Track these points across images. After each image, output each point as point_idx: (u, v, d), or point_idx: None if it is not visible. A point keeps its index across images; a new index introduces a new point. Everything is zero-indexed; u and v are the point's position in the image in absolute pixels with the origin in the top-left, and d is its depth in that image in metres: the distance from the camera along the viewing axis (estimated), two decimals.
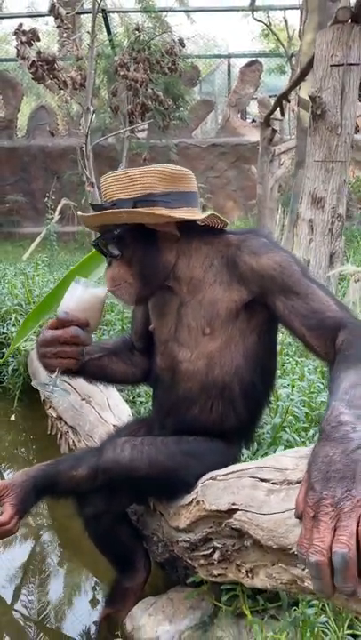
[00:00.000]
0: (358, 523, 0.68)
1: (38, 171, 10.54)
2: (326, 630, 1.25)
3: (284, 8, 9.49)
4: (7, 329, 3.26)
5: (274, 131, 6.84)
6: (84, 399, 2.11)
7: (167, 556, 1.54)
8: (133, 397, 2.44)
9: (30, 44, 4.15)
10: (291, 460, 1.03)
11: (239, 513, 1.07)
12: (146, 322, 1.54)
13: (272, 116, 6.62)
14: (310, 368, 2.58)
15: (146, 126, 9.44)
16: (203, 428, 1.39)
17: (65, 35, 9.68)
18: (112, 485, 1.33)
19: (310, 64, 4.65)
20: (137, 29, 6.57)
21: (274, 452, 1.84)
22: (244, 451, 1.65)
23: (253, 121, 10.63)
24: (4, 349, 3.22)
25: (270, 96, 10.39)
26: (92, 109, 4.15)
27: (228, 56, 11.53)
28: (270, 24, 9.79)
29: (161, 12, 7.85)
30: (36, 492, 1.40)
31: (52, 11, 4.18)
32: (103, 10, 8.32)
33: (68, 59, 6.75)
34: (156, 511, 1.49)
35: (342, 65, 3.47)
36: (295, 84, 5.26)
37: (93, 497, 1.43)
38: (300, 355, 2.94)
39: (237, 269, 1.26)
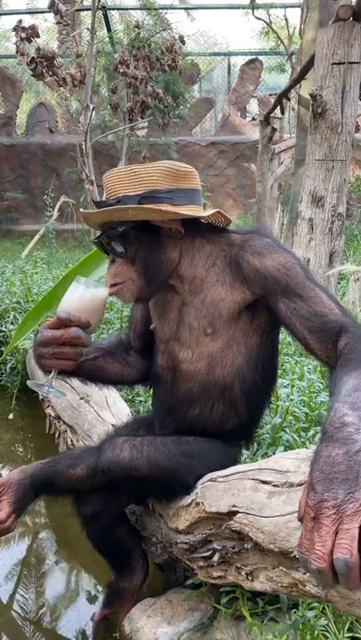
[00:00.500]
0: None
1: (37, 168, 10.51)
2: (327, 633, 1.24)
3: (285, 6, 9.46)
4: (5, 327, 3.24)
5: (274, 129, 6.82)
6: (82, 398, 2.10)
7: (166, 557, 1.52)
8: (132, 396, 2.42)
9: (30, 41, 4.12)
10: (292, 462, 1.02)
11: (240, 515, 1.05)
12: (145, 321, 1.52)
13: (272, 115, 6.61)
14: (310, 367, 2.57)
15: (145, 124, 9.41)
16: (203, 429, 1.38)
17: (64, 32, 9.66)
18: (111, 485, 1.33)
19: (311, 62, 4.63)
20: (137, 26, 6.54)
21: (274, 452, 1.83)
22: (243, 451, 1.64)
23: (253, 119, 10.61)
24: (3, 348, 3.21)
25: (270, 94, 10.37)
26: (91, 107, 4.12)
27: (229, 54, 11.50)
28: (271, 22, 9.75)
29: (161, 9, 7.82)
30: (34, 490, 1.40)
31: (52, 7, 4.15)
32: (103, 7, 8.30)
33: (68, 56, 6.72)
34: (155, 512, 1.48)
35: (343, 63, 3.45)
36: (295, 82, 5.24)
37: (91, 496, 1.42)
38: (299, 354, 2.93)
39: (241, 270, 1.25)
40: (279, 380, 2.31)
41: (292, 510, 0.92)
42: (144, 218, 1.20)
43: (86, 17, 11.12)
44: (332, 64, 3.48)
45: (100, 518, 1.44)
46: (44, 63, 4.15)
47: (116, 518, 1.49)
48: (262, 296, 1.24)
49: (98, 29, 5.44)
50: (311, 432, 1.91)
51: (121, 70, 5.40)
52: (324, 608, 1.28)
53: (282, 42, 9.26)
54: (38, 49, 4.16)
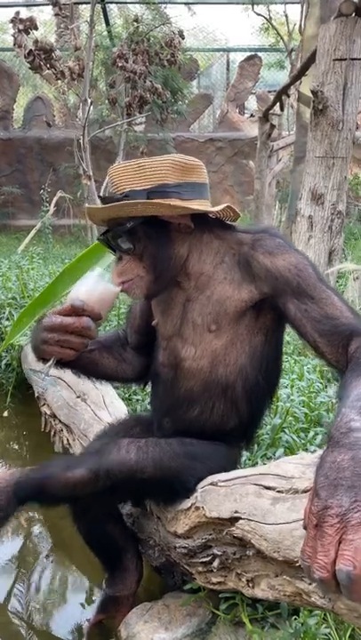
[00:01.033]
0: None
1: (34, 162, 10.42)
2: None
3: (285, 2, 9.40)
4: (1, 323, 3.20)
5: (273, 126, 6.77)
6: (78, 397, 2.07)
7: (164, 560, 1.50)
8: (129, 395, 2.39)
9: (28, 33, 4.06)
10: (296, 468, 0.99)
11: (242, 522, 1.02)
12: (145, 316, 1.49)
13: (271, 111, 6.56)
14: (309, 367, 2.54)
15: (143, 119, 9.35)
16: (203, 429, 1.35)
17: (62, 25, 9.57)
18: (112, 490, 1.27)
19: (312, 58, 4.59)
20: (136, 20, 6.48)
21: (273, 453, 1.80)
22: (242, 452, 1.61)
23: (252, 116, 10.56)
24: None
25: (269, 91, 10.32)
26: (89, 101, 4.07)
27: (228, 50, 11.44)
28: (271, 18, 9.69)
29: (160, 3, 7.75)
30: (18, 498, 1.29)
31: None
32: (102, 0, 8.22)
33: (65, 50, 6.64)
34: (152, 514, 1.45)
35: (345, 59, 3.42)
36: (296, 78, 5.20)
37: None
38: (298, 353, 2.90)
39: (250, 269, 1.22)
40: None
41: (298, 518, 0.89)
42: (153, 213, 1.18)
43: (85, 10, 11.02)
44: (333, 60, 3.44)
45: (89, 510, 1.40)
46: (42, 56, 4.10)
47: (106, 513, 1.46)
48: (271, 296, 1.22)
49: (96, 23, 5.38)
50: (311, 433, 1.88)
51: (120, 64, 5.35)
52: (325, 615, 1.25)
53: (282, 38, 9.21)
54: (36, 41, 4.11)
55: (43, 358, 1.23)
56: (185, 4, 9.42)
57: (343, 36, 3.40)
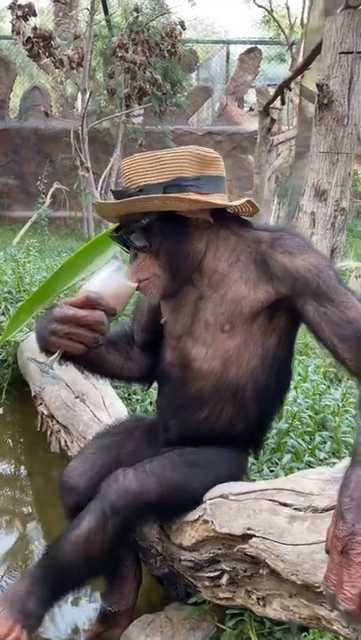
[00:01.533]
0: None
1: (30, 153, 10.28)
2: None
3: None
4: None
5: (273, 120, 6.70)
6: (77, 397, 2.00)
7: (166, 570, 1.43)
8: (129, 394, 2.32)
9: (26, 19, 3.96)
10: (315, 484, 0.92)
11: (256, 540, 0.96)
12: (152, 313, 1.42)
13: (271, 105, 6.48)
14: (312, 367, 2.48)
15: (142, 112, 9.23)
16: (210, 432, 1.29)
17: (60, 14, 9.42)
18: (124, 525, 1.17)
19: (315, 52, 4.52)
20: (135, 10, 6.36)
21: (279, 459, 1.75)
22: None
23: (251, 109, 10.46)
24: None
25: (269, 85, 10.22)
26: (88, 90, 3.98)
27: (228, 42, 11.31)
28: (272, 10, 9.58)
29: None
30: (38, 592, 1.16)
31: None
32: None
33: (64, 39, 6.52)
34: (155, 523, 1.38)
35: (351, 53, 3.34)
36: (299, 72, 5.13)
37: (77, 483, 1.32)
38: (300, 352, 2.84)
39: (268, 268, 1.16)
40: None
41: (319, 540, 0.83)
42: (171, 208, 1.11)
43: (84, 0, 10.87)
44: (340, 53, 3.37)
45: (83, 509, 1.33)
46: (41, 43, 3.99)
47: None
48: (289, 297, 1.16)
49: (95, 13, 5.27)
50: (317, 438, 1.82)
51: (119, 54, 5.23)
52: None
53: (283, 31, 9.11)
54: (35, 28, 4.01)
55: (48, 350, 1.15)
56: None
57: (350, 29, 3.32)
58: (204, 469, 1.24)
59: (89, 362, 1.34)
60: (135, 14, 6.18)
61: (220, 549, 1.12)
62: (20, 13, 3.95)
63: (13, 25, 4.06)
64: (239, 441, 1.33)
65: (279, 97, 6.09)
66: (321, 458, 1.68)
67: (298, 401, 1.98)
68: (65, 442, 1.97)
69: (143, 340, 1.46)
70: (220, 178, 1.18)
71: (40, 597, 1.16)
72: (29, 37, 4.01)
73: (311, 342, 2.83)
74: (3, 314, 3.07)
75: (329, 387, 2.32)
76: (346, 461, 1.41)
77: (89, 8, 3.80)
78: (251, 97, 11.62)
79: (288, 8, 9.08)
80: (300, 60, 6.42)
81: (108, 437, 1.46)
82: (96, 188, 5.50)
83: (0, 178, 9.95)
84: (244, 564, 1.06)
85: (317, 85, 3.41)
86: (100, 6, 8.72)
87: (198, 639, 1.31)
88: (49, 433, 2.24)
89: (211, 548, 1.15)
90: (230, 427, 1.29)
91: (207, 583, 1.20)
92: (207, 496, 1.19)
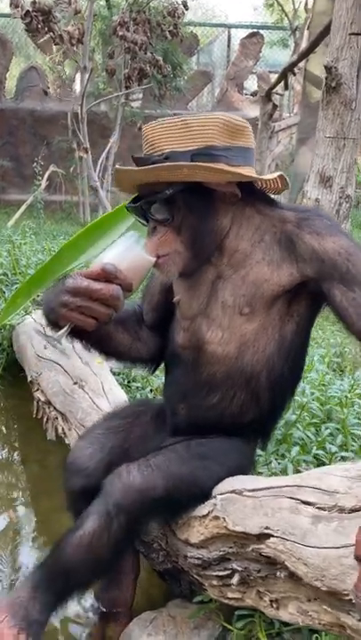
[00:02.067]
0: None
1: (26, 135, 10.08)
2: None
3: None
4: None
5: (275, 106, 6.59)
6: (75, 383, 1.92)
7: (169, 566, 1.37)
8: (128, 382, 2.24)
9: None
10: (340, 481, 0.85)
11: (274, 540, 0.89)
12: (164, 292, 1.34)
13: (273, 91, 6.37)
14: (317, 357, 2.42)
15: (141, 95, 9.07)
16: (220, 419, 1.23)
17: None
18: (130, 525, 1.09)
19: (323, 34, 4.41)
20: None
21: (286, 450, 1.68)
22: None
23: (253, 94, 10.30)
24: None
25: (270, 71, 10.07)
26: (89, 68, 3.86)
27: (230, 26, 11.12)
28: None
29: None
30: (41, 598, 1.10)
31: None
32: None
33: (63, 17, 6.35)
34: (161, 522, 1.31)
35: None
36: (304, 55, 5.02)
37: (87, 466, 1.27)
38: None
39: (294, 248, 1.09)
40: None
41: (348, 543, 0.76)
42: (200, 179, 1.04)
43: None
44: (349, 34, 3.27)
45: (92, 495, 1.21)
46: (40, 18, 3.86)
47: None
48: (314, 280, 1.09)
49: None
50: (324, 429, 1.75)
51: (120, 33, 5.10)
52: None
53: (286, 15, 8.95)
54: (34, 2, 3.87)
55: (56, 324, 1.07)
56: None
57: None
58: (213, 462, 1.18)
59: (98, 339, 1.26)
60: None
61: (231, 548, 1.05)
62: None
63: None
64: (249, 430, 1.27)
65: (282, 82, 5.98)
66: (333, 452, 1.61)
67: (305, 392, 1.91)
68: (62, 429, 1.90)
69: (153, 321, 1.38)
70: (249, 149, 1.10)
71: (43, 603, 1.09)
72: (28, 11, 3.88)
73: (313, 332, 2.77)
74: None
75: (333, 377, 2.26)
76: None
77: None
78: (250, 84, 11.45)
79: None
80: (304, 45, 6.30)
81: (117, 420, 1.40)
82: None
83: None
84: (258, 564, 0.99)
85: (326, 67, 3.31)
86: None
87: (203, 639, 1.25)
88: (45, 420, 2.16)
89: (221, 545, 1.08)
90: (241, 415, 1.23)
91: (215, 582, 1.14)
92: (217, 490, 1.12)
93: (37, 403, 2.20)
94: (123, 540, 1.11)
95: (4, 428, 2.56)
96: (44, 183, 7.71)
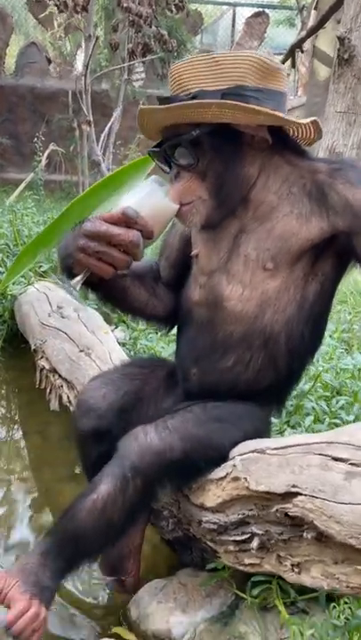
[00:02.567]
0: None
1: (26, 112, 9.91)
2: None
3: None
4: None
5: None
6: (82, 350, 1.87)
7: (180, 534, 1.32)
8: (134, 353, 2.19)
9: None
10: None
11: (302, 498, 0.84)
12: (183, 247, 1.28)
13: None
14: (328, 332, 2.37)
15: (143, 75, 8.92)
16: (235, 383, 1.17)
17: None
18: (146, 488, 1.04)
19: (333, 8, 4.30)
20: None
21: (298, 421, 1.64)
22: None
23: None
24: None
25: (275, 53, 9.91)
26: (93, 37, 3.75)
27: (235, 4, 10.92)
28: None
29: None
30: (51, 564, 1.05)
31: None
32: None
33: None
34: (176, 487, 1.26)
35: None
36: (313, 30, 4.91)
37: (100, 406, 1.22)
38: None
39: (325, 200, 1.03)
40: None
41: None
42: (229, 120, 0.97)
43: None
44: None
45: (103, 439, 1.20)
46: None
47: None
48: (346, 234, 1.03)
49: None
50: (342, 402, 1.71)
51: (124, 5, 4.96)
52: None
53: None
54: None
55: (70, 271, 1.01)
56: None
57: None
58: (230, 424, 1.13)
59: (113, 292, 1.22)
60: None
61: (251, 510, 1.00)
62: None
63: None
64: (264, 396, 1.21)
65: (289, 60, 5.86)
66: (351, 420, 1.57)
67: (319, 362, 1.86)
68: (68, 397, 1.85)
69: (170, 277, 1.32)
70: (282, 94, 1.04)
71: (54, 570, 1.04)
72: None
73: None
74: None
75: (346, 350, 2.22)
76: None
77: None
78: None
79: None
80: (311, 24, 6.17)
81: (134, 367, 1.36)
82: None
83: None
84: (280, 526, 0.95)
85: (339, 38, 3.21)
86: None
87: (215, 607, 1.21)
88: (49, 389, 2.11)
89: (240, 508, 1.03)
90: (256, 380, 1.17)
91: (231, 547, 1.09)
92: (235, 452, 1.07)
93: (41, 371, 2.15)
94: (137, 504, 1.06)
95: (3, 400, 2.51)
96: (44, 161, 7.59)
